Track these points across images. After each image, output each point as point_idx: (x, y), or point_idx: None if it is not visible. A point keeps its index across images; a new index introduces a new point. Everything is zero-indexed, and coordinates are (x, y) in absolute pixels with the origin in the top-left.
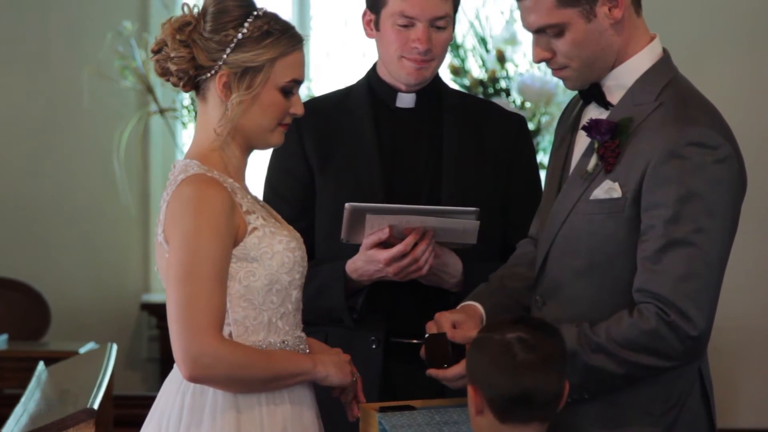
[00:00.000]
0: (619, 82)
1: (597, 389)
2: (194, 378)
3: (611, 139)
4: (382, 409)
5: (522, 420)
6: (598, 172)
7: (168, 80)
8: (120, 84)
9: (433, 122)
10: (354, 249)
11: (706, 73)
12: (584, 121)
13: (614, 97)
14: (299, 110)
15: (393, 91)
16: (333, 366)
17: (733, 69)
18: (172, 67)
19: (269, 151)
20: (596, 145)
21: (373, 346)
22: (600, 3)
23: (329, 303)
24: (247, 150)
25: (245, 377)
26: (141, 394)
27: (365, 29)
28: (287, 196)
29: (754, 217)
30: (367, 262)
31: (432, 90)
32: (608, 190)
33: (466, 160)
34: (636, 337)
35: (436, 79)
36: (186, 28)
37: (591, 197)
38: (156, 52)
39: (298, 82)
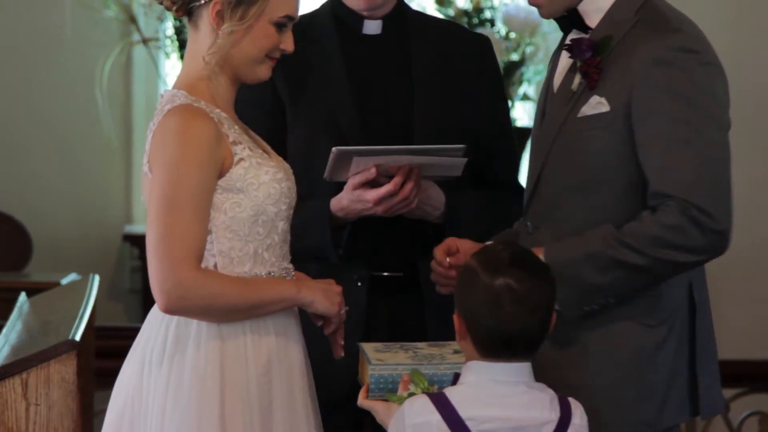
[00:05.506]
0: (597, 6)
1: (622, 290)
2: (169, 310)
3: (593, 57)
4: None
5: (505, 359)
6: (582, 90)
7: (161, 3)
8: (102, 14)
9: (400, 48)
10: (331, 182)
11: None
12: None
13: (593, 20)
14: (290, 47)
15: (359, 18)
16: (320, 292)
17: (715, 6)
18: None
19: None
20: (578, 64)
21: (358, 284)
22: None
23: (314, 241)
24: (235, 82)
25: (222, 306)
26: (123, 325)
27: None
28: (257, 128)
29: (737, 153)
30: (354, 201)
31: (397, 15)
32: (596, 105)
33: (437, 85)
34: (660, 233)
35: (401, 3)
36: None
37: (579, 115)
38: None
39: (291, 18)
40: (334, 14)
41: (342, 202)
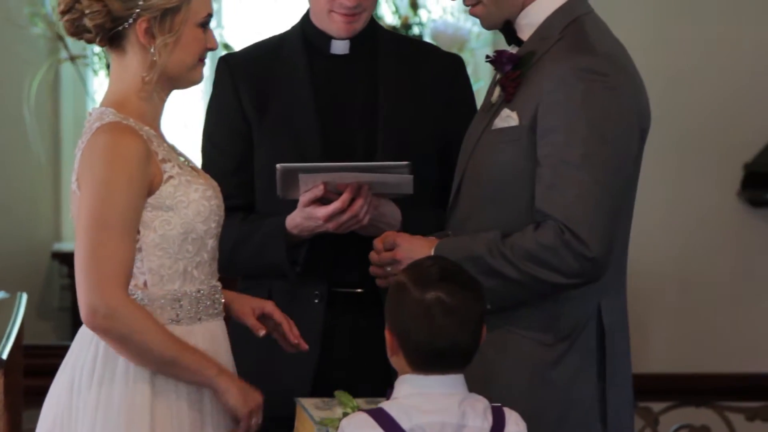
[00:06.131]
0: (530, 20)
1: (497, 299)
2: (92, 325)
3: (513, 70)
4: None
5: (437, 372)
6: (500, 102)
7: (81, 38)
8: (29, 31)
9: (368, 68)
10: (294, 201)
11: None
12: None
13: (525, 34)
14: (214, 44)
15: (327, 38)
16: (238, 388)
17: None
18: (89, 23)
19: (201, 109)
20: (499, 77)
21: (316, 301)
22: None
23: (272, 259)
24: (168, 93)
25: (140, 344)
26: (53, 343)
27: None
28: (226, 148)
29: (663, 163)
30: (305, 219)
31: (367, 35)
32: (506, 118)
33: (403, 104)
34: (534, 249)
35: (371, 22)
36: None
37: (493, 127)
38: (66, 11)
39: (212, 15)
40: (303, 34)
41: (295, 219)
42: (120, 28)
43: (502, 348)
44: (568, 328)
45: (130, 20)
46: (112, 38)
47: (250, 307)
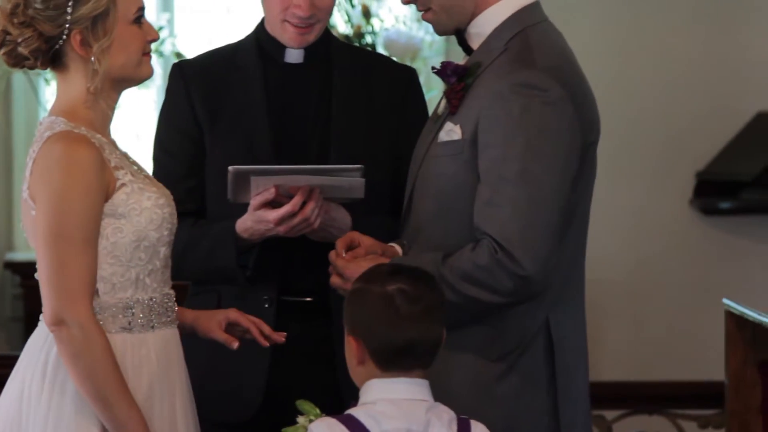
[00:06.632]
0: (480, 30)
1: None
2: (57, 333)
3: (458, 82)
4: None
5: (405, 369)
6: (446, 115)
7: (23, 67)
8: None
9: (322, 77)
10: (245, 207)
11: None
12: None
13: (475, 44)
14: (155, 35)
15: (281, 47)
16: None
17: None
18: (24, 51)
19: (155, 119)
20: (446, 88)
21: (266, 306)
22: None
23: (221, 263)
24: (117, 96)
25: (87, 365)
26: (4, 353)
27: None
28: (177, 153)
29: (616, 172)
30: (256, 222)
31: (321, 44)
32: (449, 132)
33: (356, 114)
34: (470, 270)
35: (326, 32)
36: (18, 9)
37: (438, 140)
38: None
39: (142, 8)
40: (257, 42)
41: (246, 223)
42: (56, 46)
43: (448, 364)
44: (512, 343)
45: (64, 36)
46: (53, 59)
47: (215, 321)
